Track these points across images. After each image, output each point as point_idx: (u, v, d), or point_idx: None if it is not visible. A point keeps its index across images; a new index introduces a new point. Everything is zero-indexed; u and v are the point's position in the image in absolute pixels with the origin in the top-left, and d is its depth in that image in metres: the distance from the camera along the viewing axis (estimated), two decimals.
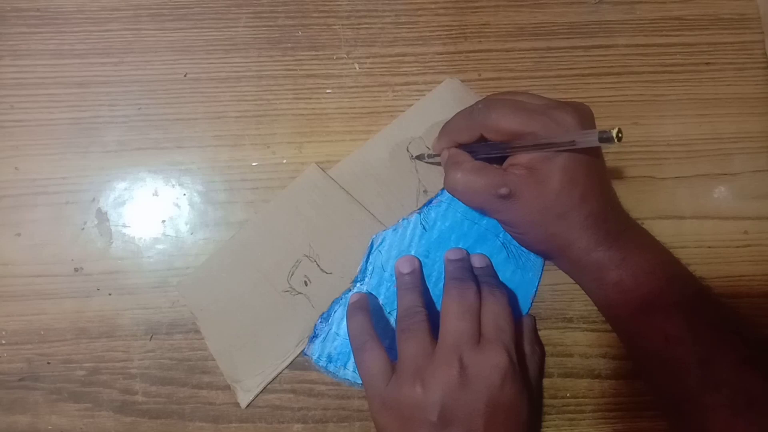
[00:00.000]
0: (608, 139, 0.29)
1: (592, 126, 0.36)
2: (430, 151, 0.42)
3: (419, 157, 0.43)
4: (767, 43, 0.46)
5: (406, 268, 0.41)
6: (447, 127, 0.39)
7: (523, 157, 0.35)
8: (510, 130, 0.35)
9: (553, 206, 0.35)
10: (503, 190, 0.35)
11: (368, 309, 0.40)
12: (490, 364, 0.34)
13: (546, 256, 0.41)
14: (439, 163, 0.41)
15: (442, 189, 0.43)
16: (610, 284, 0.36)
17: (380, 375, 0.36)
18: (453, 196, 0.38)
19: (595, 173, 0.36)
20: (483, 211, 0.39)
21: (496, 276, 0.41)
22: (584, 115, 0.35)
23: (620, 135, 0.29)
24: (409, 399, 0.34)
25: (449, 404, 0.34)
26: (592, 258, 0.36)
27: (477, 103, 0.37)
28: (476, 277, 0.39)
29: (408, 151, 0.43)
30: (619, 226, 0.37)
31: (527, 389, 0.36)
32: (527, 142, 0.34)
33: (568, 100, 0.36)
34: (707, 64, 0.46)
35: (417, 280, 0.41)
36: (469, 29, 0.46)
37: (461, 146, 0.39)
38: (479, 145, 0.37)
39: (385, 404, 0.35)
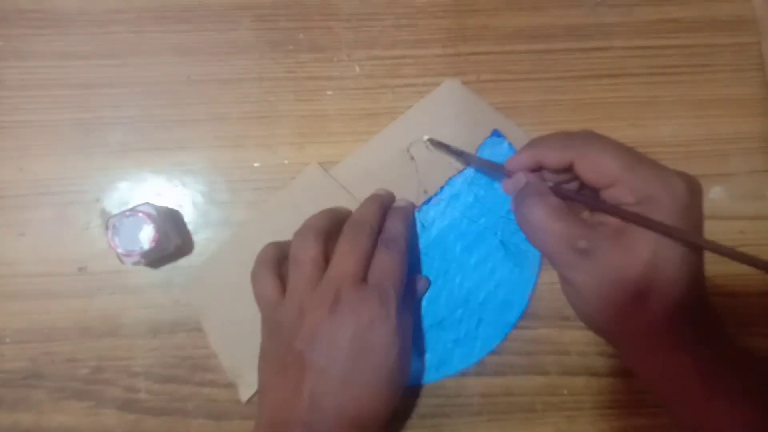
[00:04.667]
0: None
1: (699, 199, 0.32)
2: (452, 146, 0.42)
3: (431, 141, 0.43)
4: (764, 45, 0.46)
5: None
6: (539, 140, 0.35)
7: (613, 218, 0.31)
8: (606, 172, 0.31)
9: (631, 283, 0.30)
10: (582, 243, 0.30)
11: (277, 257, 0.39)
12: (363, 303, 0.35)
13: (603, 336, 0.36)
14: (447, 154, 0.42)
15: (441, 188, 0.43)
16: (697, 400, 0.31)
17: (271, 301, 0.37)
18: (521, 228, 0.34)
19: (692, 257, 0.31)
20: (548, 257, 0.33)
21: (407, 239, 0.40)
22: (695, 188, 0.31)
23: None
24: (287, 323, 0.36)
25: (318, 334, 0.34)
26: (670, 360, 0.31)
27: (580, 130, 0.34)
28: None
29: (408, 151, 0.44)
30: (707, 332, 0.32)
31: (399, 338, 0.36)
32: (625, 204, 0.30)
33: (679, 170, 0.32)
34: (704, 65, 0.46)
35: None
36: (468, 32, 0.46)
37: (536, 172, 0.35)
38: (561, 188, 0.34)
39: (270, 329, 0.37)
